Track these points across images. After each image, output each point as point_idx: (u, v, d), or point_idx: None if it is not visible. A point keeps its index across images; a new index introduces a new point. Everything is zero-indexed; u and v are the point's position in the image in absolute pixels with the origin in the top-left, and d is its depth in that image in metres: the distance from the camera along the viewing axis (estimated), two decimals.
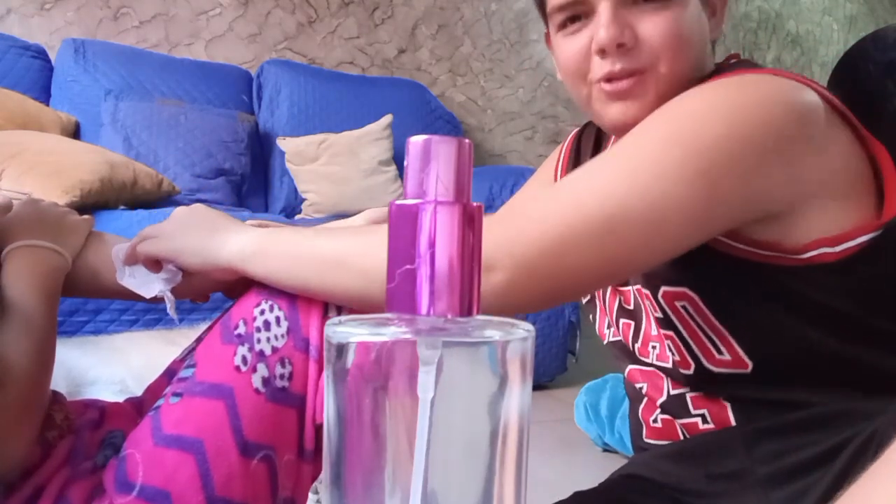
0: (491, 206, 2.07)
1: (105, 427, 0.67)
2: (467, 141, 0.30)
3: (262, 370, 0.60)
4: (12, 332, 0.57)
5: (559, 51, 0.71)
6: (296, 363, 0.61)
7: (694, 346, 0.68)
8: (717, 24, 0.72)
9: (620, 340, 0.80)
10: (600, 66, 0.67)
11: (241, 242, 0.62)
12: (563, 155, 0.89)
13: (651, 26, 0.65)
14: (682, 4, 0.66)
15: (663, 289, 0.68)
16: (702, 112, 0.58)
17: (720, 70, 0.70)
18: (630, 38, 0.65)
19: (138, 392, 0.77)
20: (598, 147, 0.85)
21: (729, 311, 0.66)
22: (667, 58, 0.65)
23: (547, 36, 0.76)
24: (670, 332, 0.70)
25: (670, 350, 0.71)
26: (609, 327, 0.82)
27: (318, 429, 0.61)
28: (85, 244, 0.72)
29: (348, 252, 0.58)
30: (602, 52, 0.66)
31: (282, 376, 0.60)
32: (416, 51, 3.15)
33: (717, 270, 0.64)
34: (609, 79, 0.67)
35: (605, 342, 0.84)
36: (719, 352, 0.67)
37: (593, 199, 0.55)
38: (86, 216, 0.75)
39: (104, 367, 1.21)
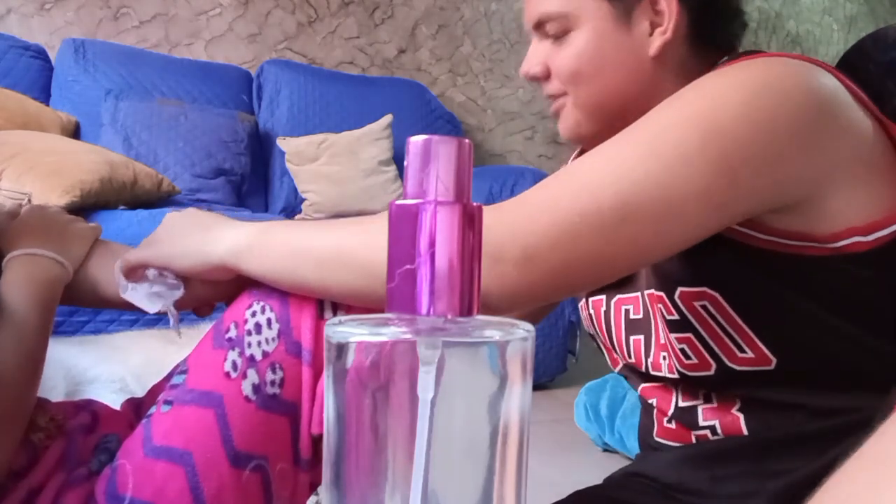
0: None
1: (99, 431, 0.66)
2: (467, 141, 0.30)
3: (252, 376, 0.57)
4: (3, 341, 0.57)
5: None
6: (287, 369, 0.58)
7: (714, 346, 0.66)
8: (669, 36, 0.67)
9: (632, 364, 0.77)
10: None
11: (234, 238, 0.59)
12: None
13: (554, 62, 0.72)
14: (583, 37, 0.69)
15: (680, 290, 0.66)
16: (721, 95, 0.56)
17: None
18: (541, 71, 0.73)
19: (138, 391, 0.77)
20: None
21: (753, 308, 0.63)
22: (572, 88, 0.71)
23: None
24: (687, 335, 0.68)
25: (685, 354, 0.69)
26: (618, 354, 0.80)
27: (317, 439, 0.59)
28: (90, 253, 0.70)
29: (347, 245, 0.55)
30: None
31: (272, 383, 0.58)
32: (416, 51, 3.15)
33: (739, 266, 0.62)
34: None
35: (617, 370, 0.82)
36: (741, 350, 0.64)
37: (608, 186, 0.53)
38: (93, 224, 0.73)
39: (104, 366, 1.20)
